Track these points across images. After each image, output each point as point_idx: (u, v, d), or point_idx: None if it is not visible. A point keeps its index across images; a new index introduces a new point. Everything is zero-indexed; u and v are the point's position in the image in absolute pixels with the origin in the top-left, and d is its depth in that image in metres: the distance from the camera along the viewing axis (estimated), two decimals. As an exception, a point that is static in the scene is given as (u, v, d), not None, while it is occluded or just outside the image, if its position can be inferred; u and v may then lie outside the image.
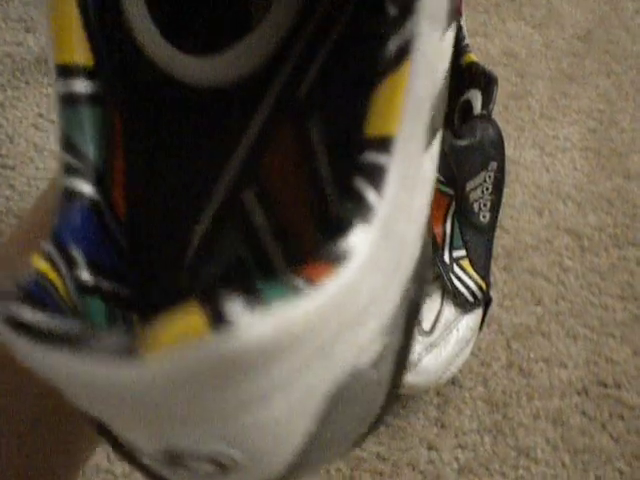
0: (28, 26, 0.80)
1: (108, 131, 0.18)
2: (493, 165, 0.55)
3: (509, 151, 0.69)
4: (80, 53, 0.17)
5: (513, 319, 0.60)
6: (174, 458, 0.13)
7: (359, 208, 0.15)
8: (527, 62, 0.78)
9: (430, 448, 0.54)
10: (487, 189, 0.55)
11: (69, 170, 0.17)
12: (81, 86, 0.17)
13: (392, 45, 0.16)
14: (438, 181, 0.52)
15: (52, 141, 0.70)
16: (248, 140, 0.20)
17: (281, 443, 0.14)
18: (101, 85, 0.18)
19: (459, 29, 0.61)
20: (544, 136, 0.72)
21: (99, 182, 0.17)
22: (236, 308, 0.11)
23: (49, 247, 0.15)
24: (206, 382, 0.12)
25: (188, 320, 0.11)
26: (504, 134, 0.69)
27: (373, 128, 0.16)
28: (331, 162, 0.20)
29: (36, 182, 0.67)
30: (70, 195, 0.16)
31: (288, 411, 0.14)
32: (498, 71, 0.77)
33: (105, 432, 0.15)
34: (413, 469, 0.53)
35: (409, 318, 0.18)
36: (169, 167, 0.21)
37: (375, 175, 0.15)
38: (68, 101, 0.17)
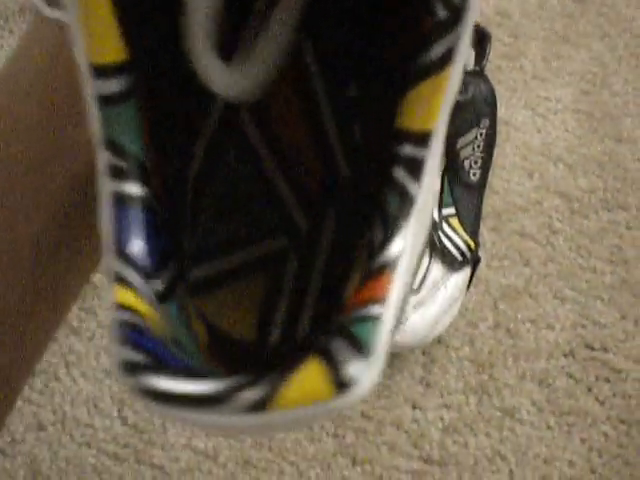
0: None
1: (142, 125, 0.18)
2: (485, 122, 0.54)
3: (500, 111, 0.68)
4: (116, 50, 0.17)
5: (501, 280, 0.60)
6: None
7: (402, 201, 0.17)
8: (521, 22, 0.77)
9: (415, 407, 0.54)
10: (478, 146, 0.54)
11: (116, 173, 0.16)
12: (119, 84, 0.17)
13: (440, 48, 0.17)
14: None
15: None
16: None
17: None
18: (135, 79, 0.17)
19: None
20: (536, 97, 0.71)
21: (145, 179, 0.17)
22: (356, 368, 0.14)
23: (118, 265, 0.16)
24: (311, 420, 0.14)
25: (313, 383, 0.13)
26: (496, 94, 0.68)
27: (413, 123, 0.17)
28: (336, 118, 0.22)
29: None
30: (123, 200, 0.16)
31: None
32: (491, 31, 0.76)
33: None
34: (397, 428, 0.53)
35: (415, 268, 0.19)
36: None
37: (415, 167, 0.17)
38: (108, 101, 0.16)
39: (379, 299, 0.15)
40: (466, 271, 0.54)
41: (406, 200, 0.17)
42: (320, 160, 0.23)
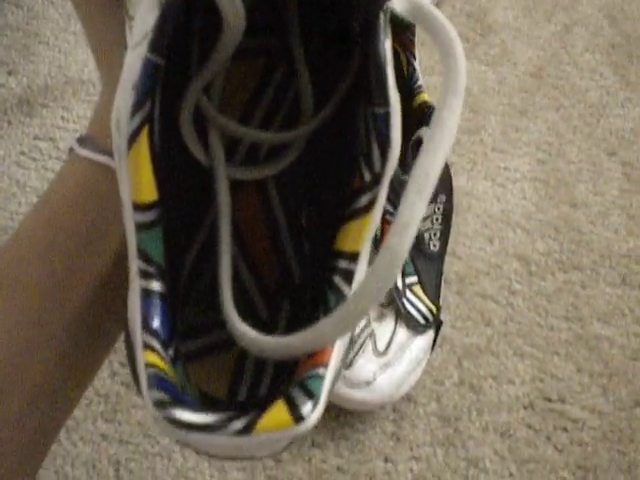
0: (10, 69, 0.84)
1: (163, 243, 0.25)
2: (442, 197, 0.60)
3: (462, 182, 0.74)
4: (150, 194, 0.24)
5: (464, 339, 0.65)
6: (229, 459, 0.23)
7: (338, 299, 0.24)
8: (481, 98, 0.83)
9: (386, 460, 0.58)
10: (437, 219, 0.60)
11: (144, 275, 0.23)
12: (150, 216, 0.24)
13: (365, 199, 0.24)
14: (389, 213, 0.56)
15: (34, 178, 0.74)
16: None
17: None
18: (161, 211, 0.24)
19: (412, 71, 0.66)
20: (495, 168, 0.77)
21: (163, 276, 0.24)
22: (307, 408, 0.21)
23: (146, 337, 0.22)
24: (276, 444, 0.21)
25: (280, 416, 0.20)
26: (457, 167, 0.74)
27: (346, 246, 0.24)
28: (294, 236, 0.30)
29: (18, 217, 0.71)
30: (148, 293, 0.23)
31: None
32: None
33: None
34: (370, 480, 0.57)
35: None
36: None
37: (349, 275, 0.24)
38: (142, 227, 0.23)
39: (323, 363, 0.22)
40: (430, 334, 0.59)
41: (341, 298, 0.24)
42: (280, 265, 0.30)
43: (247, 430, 0.20)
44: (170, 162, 0.28)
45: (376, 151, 0.24)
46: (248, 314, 0.30)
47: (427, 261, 0.60)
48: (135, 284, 0.23)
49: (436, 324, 0.60)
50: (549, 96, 0.85)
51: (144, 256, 0.23)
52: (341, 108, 0.29)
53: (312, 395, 0.21)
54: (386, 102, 0.24)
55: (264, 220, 0.31)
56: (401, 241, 0.18)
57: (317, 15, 0.30)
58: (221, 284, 0.26)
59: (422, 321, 0.59)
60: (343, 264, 0.24)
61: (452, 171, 0.63)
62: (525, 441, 0.60)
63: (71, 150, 0.32)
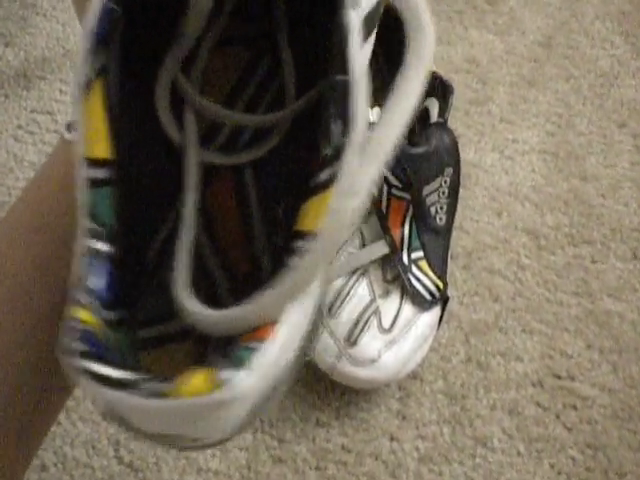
0: (7, 41, 0.83)
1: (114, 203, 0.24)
2: (449, 170, 0.58)
3: (470, 155, 0.72)
4: (102, 149, 0.23)
5: (472, 315, 0.63)
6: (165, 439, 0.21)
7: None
8: (488, 68, 0.81)
9: (392, 439, 0.57)
10: (443, 193, 0.58)
11: (91, 234, 0.23)
12: (102, 173, 0.23)
13: (324, 175, 0.22)
14: (394, 187, 0.55)
15: (31, 152, 0.72)
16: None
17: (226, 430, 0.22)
18: (116, 172, 0.24)
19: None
20: (504, 140, 0.75)
21: (113, 240, 0.23)
22: (227, 374, 0.19)
23: (79, 294, 0.22)
24: (200, 414, 0.19)
25: (199, 381, 0.19)
26: (465, 139, 0.73)
27: (303, 225, 0.22)
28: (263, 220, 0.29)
29: (16, 192, 0.70)
30: (92, 252, 0.22)
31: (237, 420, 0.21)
32: (460, 78, 0.80)
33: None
34: (376, 459, 0.56)
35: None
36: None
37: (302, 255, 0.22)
38: (93, 184, 0.23)
39: (260, 339, 0.20)
40: (436, 310, 0.58)
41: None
42: (250, 257, 0.29)
43: (162, 393, 0.19)
44: (138, 130, 0.27)
45: (335, 123, 0.22)
46: (212, 305, 0.28)
47: (433, 235, 0.58)
48: (81, 243, 0.22)
49: (443, 300, 0.59)
50: (559, 66, 0.83)
51: (92, 214, 0.23)
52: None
53: (238, 364, 0.20)
54: (344, 70, 0.22)
55: (237, 209, 0.30)
56: (345, 203, 0.17)
57: (304, 6, 0.29)
58: (177, 263, 0.25)
59: (428, 297, 0.57)
60: (300, 244, 0.22)
61: (459, 143, 0.62)
62: (534, 419, 0.59)
63: (61, 136, 0.32)
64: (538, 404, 0.59)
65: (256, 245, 0.29)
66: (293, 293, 0.18)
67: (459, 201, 0.60)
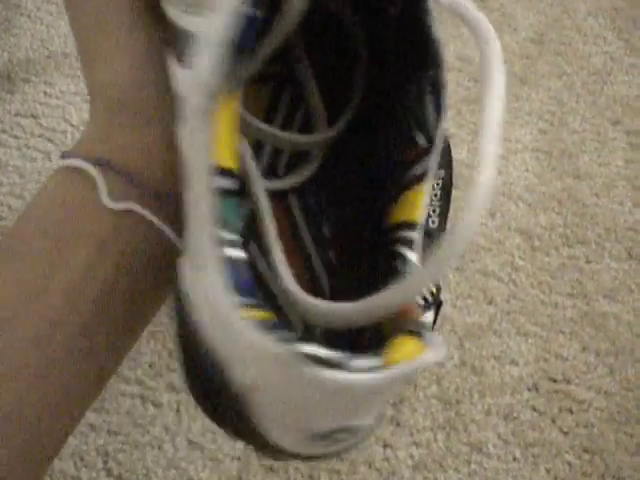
0: (-10, 42, 0.81)
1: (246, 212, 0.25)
2: (441, 173, 0.57)
3: (462, 155, 0.71)
4: (231, 160, 0.23)
5: (466, 319, 0.62)
6: (328, 435, 0.21)
7: (406, 265, 0.24)
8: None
9: (385, 446, 0.56)
10: (436, 195, 0.57)
11: (224, 242, 0.22)
12: (230, 184, 0.23)
13: (420, 168, 0.24)
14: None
15: (15, 156, 0.71)
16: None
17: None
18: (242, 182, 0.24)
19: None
20: (496, 139, 0.74)
21: (245, 246, 0.23)
22: (434, 339, 0.20)
23: (245, 300, 0.21)
24: (406, 380, 0.20)
25: (411, 347, 0.20)
26: (457, 139, 0.72)
27: (404, 215, 0.25)
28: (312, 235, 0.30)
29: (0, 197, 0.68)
30: (232, 260, 0.22)
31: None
32: (452, 76, 0.79)
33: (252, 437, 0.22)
34: (369, 467, 0.55)
35: None
36: None
37: (410, 244, 0.24)
38: (223, 193, 0.23)
39: (414, 317, 0.22)
40: (429, 314, 0.57)
41: (408, 264, 0.24)
42: (308, 277, 0.30)
43: (374, 367, 0.19)
44: None
45: (432, 113, 0.24)
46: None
47: (426, 239, 0.57)
48: (211, 253, 0.22)
49: (436, 304, 0.57)
50: (551, 63, 0.82)
51: (224, 223, 0.22)
52: (358, 118, 0.30)
53: (428, 329, 0.21)
54: (436, 63, 0.24)
55: (289, 233, 0.30)
56: (473, 219, 0.18)
57: (319, 35, 0.30)
58: (279, 270, 0.25)
59: (421, 301, 0.56)
60: (403, 233, 0.25)
61: (452, 143, 0.60)
62: (529, 424, 0.58)
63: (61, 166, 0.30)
64: (534, 408, 0.58)
65: (313, 265, 0.30)
66: (429, 282, 0.18)
67: (452, 202, 0.59)
